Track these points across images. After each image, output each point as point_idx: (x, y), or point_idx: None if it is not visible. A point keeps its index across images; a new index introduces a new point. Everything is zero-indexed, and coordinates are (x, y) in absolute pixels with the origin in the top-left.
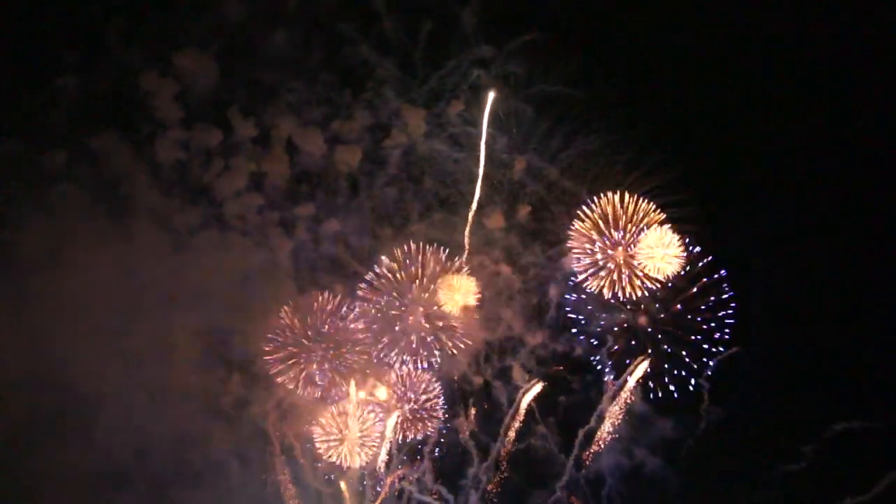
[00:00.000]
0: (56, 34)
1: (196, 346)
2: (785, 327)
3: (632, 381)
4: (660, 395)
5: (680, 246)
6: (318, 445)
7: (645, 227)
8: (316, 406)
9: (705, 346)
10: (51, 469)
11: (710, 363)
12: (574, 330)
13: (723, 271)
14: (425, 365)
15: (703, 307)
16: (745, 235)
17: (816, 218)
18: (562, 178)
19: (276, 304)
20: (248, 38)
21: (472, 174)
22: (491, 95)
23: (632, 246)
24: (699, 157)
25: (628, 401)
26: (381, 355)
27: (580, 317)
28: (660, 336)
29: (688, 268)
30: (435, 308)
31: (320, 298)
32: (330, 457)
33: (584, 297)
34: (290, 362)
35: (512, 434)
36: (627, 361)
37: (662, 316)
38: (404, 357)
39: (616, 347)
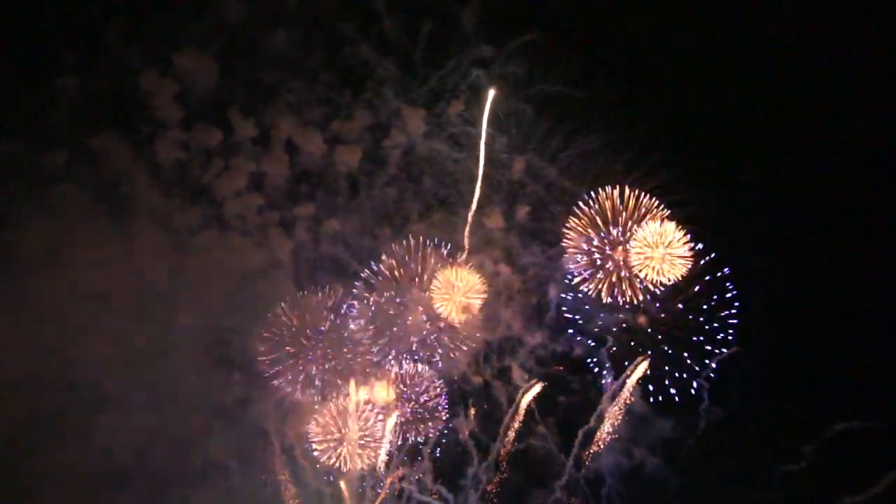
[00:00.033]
0: (56, 34)
1: (196, 346)
2: (785, 327)
3: (631, 381)
4: (660, 397)
5: (685, 243)
6: (315, 448)
7: (646, 224)
8: (315, 406)
9: (708, 348)
10: (51, 469)
11: (711, 363)
12: (571, 331)
13: (726, 269)
14: (426, 365)
15: (704, 306)
16: (744, 235)
17: (816, 218)
18: (561, 178)
19: (276, 304)
20: (248, 38)
21: (472, 174)
22: (491, 93)
23: (633, 242)
24: (699, 156)
25: (628, 401)
26: (381, 355)
27: (577, 317)
28: (660, 337)
29: (689, 265)
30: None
31: (319, 295)
32: (329, 459)
33: (581, 296)
34: (289, 362)
35: (511, 434)
36: (626, 363)
37: (663, 315)
38: (404, 356)
39: (614, 349)
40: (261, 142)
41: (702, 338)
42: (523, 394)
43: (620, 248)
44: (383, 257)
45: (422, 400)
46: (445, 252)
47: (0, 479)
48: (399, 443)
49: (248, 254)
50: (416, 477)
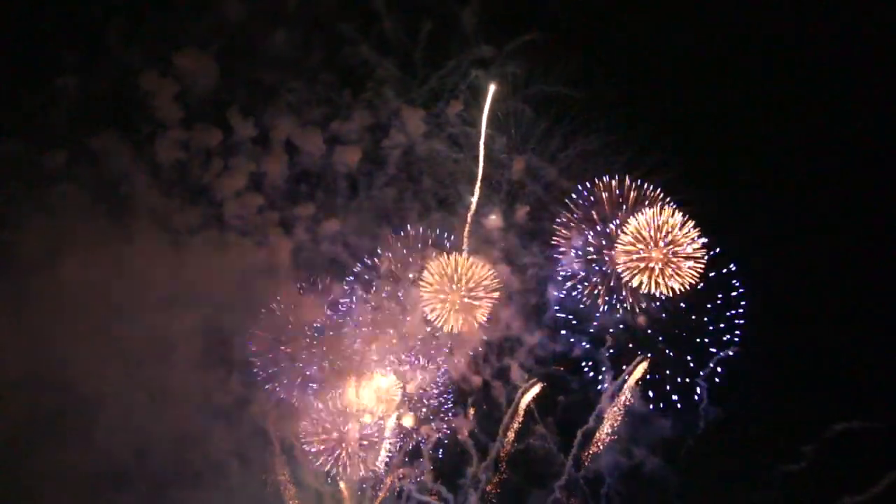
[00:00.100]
0: (56, 34)
1: (196, 346)
2: (785, 327)
3: (630, 382)
4: (661, 404)
5: (693, 239)
6: (311, 450)
7: (642, 213)
8: (313, 407)
9: (712, 350)
10: (51, 469)
11: (711, 363)
12: (564, 332)
13: (732, 265)
14: (427, 364)
15: (708, 305)
16: (744, 236)
17: (816, 218)
18: (561, 179)
19: (276, 304)
20: (248, 38)
21: (472, 174)
22: (492, 87)
23: (623, 237)
24: (699, 156)
25: (627, 402)
26: (381, 354)
27: (570, 317)
28: (661, 339)
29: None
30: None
31: (314, 294)
32: (326, 462)
33: (576, 296)
34: (283, 365)
35: (511, 434)
36: (624, 367)
37: (664, 315)
38: (403, 356)
39: (612, 351)
40: (260, 142)
41: (706, 340)
42: (523, 394)
43: (620, 248)
44: (379, 251)
45: (424, 400)
46: (448, 246)
47: (0, 479)
48: (399, 443)
49: (247, 254)
50: (418, 478)
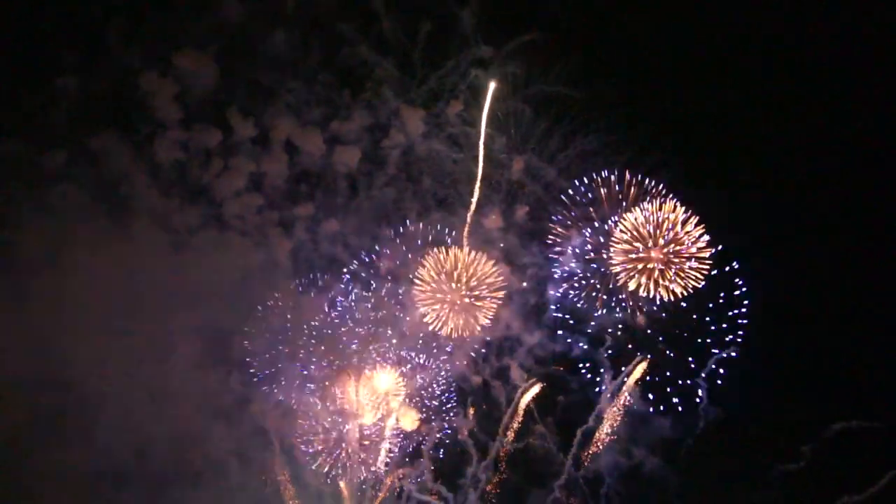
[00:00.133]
0: (56, 34)
1: (196, 346)
2: (785, 327)
3: (630, 382)
4: (661, 406)
5: (696, 238)
6: (312, 450)
7: (640, 208)
8: (314, 407)
9: (714, 351)
10: (51, 469)
11: (711, 363)
12: (560, 332)
13: (735, 264)
14: (427, 362)
15: (710, 304)
16: (744, 236)
17: (816, 218)
18: (560, 179)
19: (276, 304)
20: (247, 38)
21: (471, 174)
22: (492, 85)
23: (619, 234)
24: (699, 156)
25: (627, 402)
26: (380, 353)
27: (567, 316)
28: (661, 339)
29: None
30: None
31: (312, 294)
32: (325, 463)
33: (574, 296)
34: (283, 364)
35: (511, 434)
36: (623, 368)
37: (664, 315)
38: (402, 354)
39: (611, 351)
40: (260, 142)
41: (709, 340)
42: (522, 393)
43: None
44: (377, 248)
45: (426, 399)
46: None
47: (0, 479)
48: (399, 443)
49: (247, 254)
50: (418, 478)
